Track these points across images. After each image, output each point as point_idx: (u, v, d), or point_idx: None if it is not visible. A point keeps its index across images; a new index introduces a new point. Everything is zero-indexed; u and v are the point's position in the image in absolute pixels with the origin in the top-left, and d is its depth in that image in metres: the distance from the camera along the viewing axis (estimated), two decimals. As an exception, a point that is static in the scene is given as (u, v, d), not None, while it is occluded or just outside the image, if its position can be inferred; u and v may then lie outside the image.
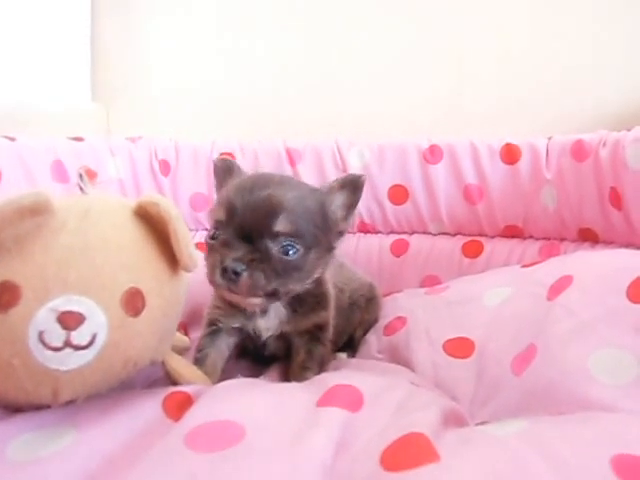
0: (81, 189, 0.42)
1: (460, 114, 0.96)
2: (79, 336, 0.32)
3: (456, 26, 0.98)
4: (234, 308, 0.54)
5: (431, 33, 0.99)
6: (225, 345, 0.56)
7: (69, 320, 0.31)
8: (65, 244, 0.33)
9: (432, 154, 0.80)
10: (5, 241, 0.32)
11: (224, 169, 0.57)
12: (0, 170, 0.63)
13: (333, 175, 0.84)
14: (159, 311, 0.37)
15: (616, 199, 0.67)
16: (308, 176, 0.84)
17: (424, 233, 0.84)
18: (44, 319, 0.31)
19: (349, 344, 0.67)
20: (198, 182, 0.87)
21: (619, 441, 0.28)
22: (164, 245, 0.38)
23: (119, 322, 0.33)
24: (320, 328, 0.56)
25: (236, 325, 0.55)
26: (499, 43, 0.96)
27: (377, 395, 0.37)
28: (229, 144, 0.88)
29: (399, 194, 0.83)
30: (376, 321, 0.67)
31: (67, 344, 0.31)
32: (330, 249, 0.54)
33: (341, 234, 0.55)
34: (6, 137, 0.66)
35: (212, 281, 0.47)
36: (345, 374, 0.44)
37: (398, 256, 0.84)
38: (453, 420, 0.36)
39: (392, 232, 0.86)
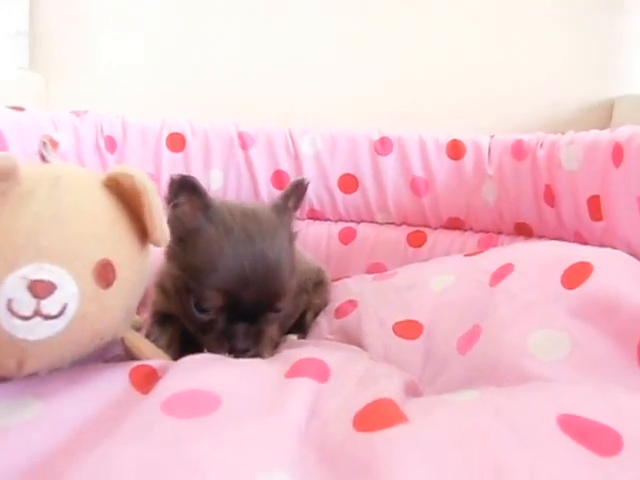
0: (43, 158, 0.41)
1: (411, 108, 0.99)
2: (49, 305, 0.31)
3: (411, 23, 1.02)
4: None
5: (386, 28, 1.02)
6: (175, 330, 0.55)
7: (39, 288, 0.30)
8: (36, 211, 0.32)
9: (382, 146, 0.83)
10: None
11: (182, 186, 0.51)
12: None
13: (285, 161, 0.85)
14: (128, 285, 0.36)
15: (550, 196, 0.72)
16: (259, 161, 0.85)
17: (371, 222, 0.87)
18: (13, 287, 0.30)
19: (298, 326, 0.68)
20: (145, 161, 0.85)
21: (561, 403, 0.31)
22: (133, 218, 0.37)
23: (90, 293, 0.33)
24: None
25: None
26: (451, 42, 1.01)
27: (341, 367, 0.38)
28: (179, 124, 0.86)
29: (349, 183, 0.85)
30: (325, 304, 0.69)
31: (37, 313, 0.30)
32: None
33: None
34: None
35: (215, 351, 0.47)
36: (308, 350, 0.45)
37: (346, 244, 0.86)
38: (412, 391, 0.38)
39: (340, 220, 0.88)
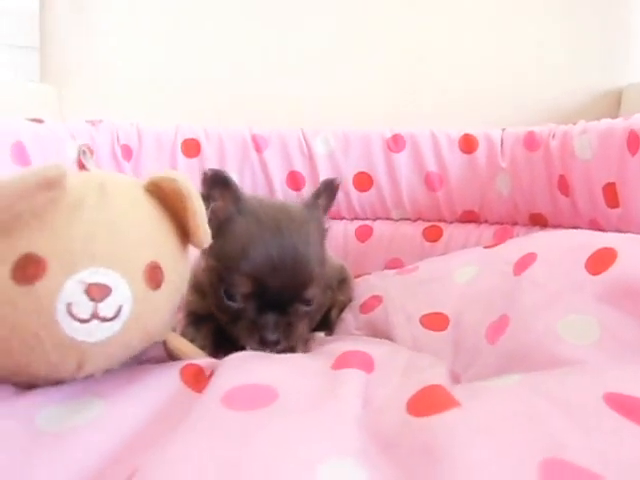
0: (82, 166, 0.42)
1: (419, 106, 1.01)
2: (106, 308, 0.32)
3: (418, 20, 1.03)
4: None
5: (393, 26, 1.04)
6: (208, 330, 0.57)
7: (96, 292, 0.31)
8: (89, 219, 0.33)
9: (395, 143, 0.84)
10: (23, 214, 0.32)
11: (215, 181, 0.54)
12: (-38, 150, 0.60)
13: (299, 162, 0.86)
14: (174, 286, 0.37)
15: (564, 186, 0.74)
16: (274, 163, 0.86)
17: (387, 219, 0.88)
18: (72, 291, 0.31)
19: (323, 324, 0.69)
20: (162, 167, 0.86)
21: (604, 383, 0.32)
22: (174, 221, 0.39)
23: (142, 295, 0.34)
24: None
25: None
26: (458, 38, 1.02)
27: (385, 358, 0.39)
28: (194, 130, 0.87)
29: (364, 181, 0.86)
30: (350, 301, 0.70)
31: (94, 316, 0.32)
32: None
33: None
34: (-34, 116, 0.63)
35: (246, 343, 0.49)
36: (347, 344, 0.47)
37: (363, 241, 0.87)
38: (454, 379, 0.39)
39: (356, 218, 0.89)
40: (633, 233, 0.60)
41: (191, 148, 0.86)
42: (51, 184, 0.32)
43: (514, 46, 1.01)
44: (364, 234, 0.87)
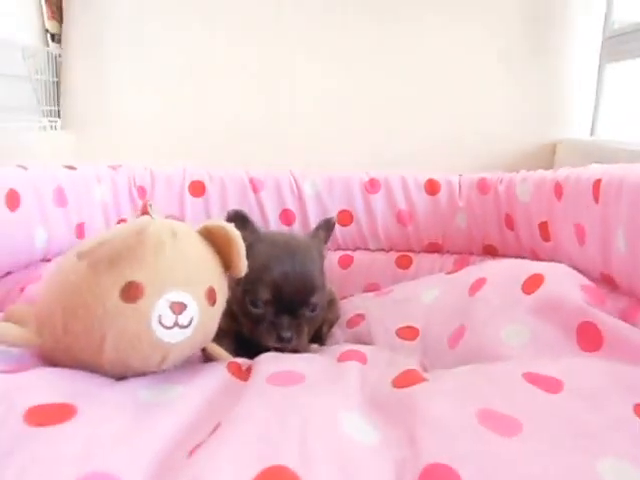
0: (146, 213, 0.55)
1: (391, 154, 1.18)
2: (183, 318, 0.45)
3: (386, 82, 1.22)
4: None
5: (367, 87, 1.22)
6: (229, 342, 0.70)
7: (177, 308, 0.45)
8: (169, 256, 0.46)
9: (372, 185, 1.00)
10: (122, 251, 0.45)
11: (236, 217, 0.70)
12: (19, 195, 0.72)
13: (290, 201, 1.01)
14: (221, 304, 0.51)
15: (510, 223, 0.91)
16: (269, 202, 1.01)
17: (365, 249, 1.03)
18: (161, 307, 0.44)
19: (317, 338, 0.83)
20: (171, 205, 0.99)
21: (524, 367, 0.48)
22: (220, 256, 0.53)
23: (204, 310, 0.48)
24: None
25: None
26: (419, 105, 1.21)
27: (374, 355, 0.54)
28: (199, 173, 1.01)
29: (345, 217, 1.01)
30: (337, 319, 0.84)
31: (175, 324, 0.45)
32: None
33: None
34: (19, 166, 0.76)
35: (266, 341, 0.63)
36: (345, 346, 0.61)
37: (345, 268, 1.02)
38: (423, 368, 0.54)
39: (339, 249, 1.04)
40: (562, 262, 0.76)
41: (197, 189, 1.00)
42: (140, 232, 0.46)
43: (470, 106, 1.21)
44: (346, 262, 1.02)
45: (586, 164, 0.77)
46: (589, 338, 0.55)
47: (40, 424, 0.36)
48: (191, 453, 0.37)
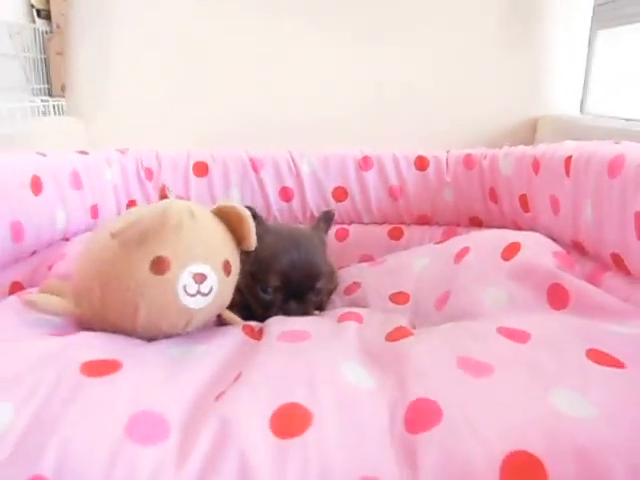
0: (165, 196, 0.62)
1: (383, 132, 1.24)
2: (204, 287, 0.53)
3: (376, 58, 1.27)
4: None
5: (356, 64, 1.27)
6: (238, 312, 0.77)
7: (199, 278, 0.52)
8: (189, 234, 0.53)
9: (365, 163, 1.06)
10: (149, 231, 0.52)
11: None
12: (42, 181, 0.78)
13: (289, 179, 1.07)
14: (235, 275, 0.59)
15: (493, 196, 0.98)
16: (268, 180, 1.07)
17: (360, 223, 1.10)
18: (186, 277, 0.52)
19: (317, 305, 0.91)
20: (176, 185, 1.06)
21: (499, 322, 0.55)
22: (232, 233, 0.60)
23: (222, 280, 0.55)
24: None
25: None
26: (410, 82, 1.26)
27: (369, 316, 0.62)
28: (202, 154, 1.07)
29: (340, 193, 1.08)
30: (336, 287, 0.92)
31: (198, 292, 0.52)
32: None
33: None
34: (39, 153, 0.82)
35: None
36: (344, 309, 0.69)
37: (341, 241, 1.09)
38: (412, 326, 0.62)
39: (335, 223, 1.11)
40: (539, 231, 0.84)
41: (201, 169, 1.06)
42: (163, 213, 0.53)
43: (457, 83, 1.27)
44: (342, 235, 1.09)
45: (563, 140, 0.84)
46: (558, 297, 0.63)
47: (94, 375, 0.43)
48: (217, 397, 0.45)
